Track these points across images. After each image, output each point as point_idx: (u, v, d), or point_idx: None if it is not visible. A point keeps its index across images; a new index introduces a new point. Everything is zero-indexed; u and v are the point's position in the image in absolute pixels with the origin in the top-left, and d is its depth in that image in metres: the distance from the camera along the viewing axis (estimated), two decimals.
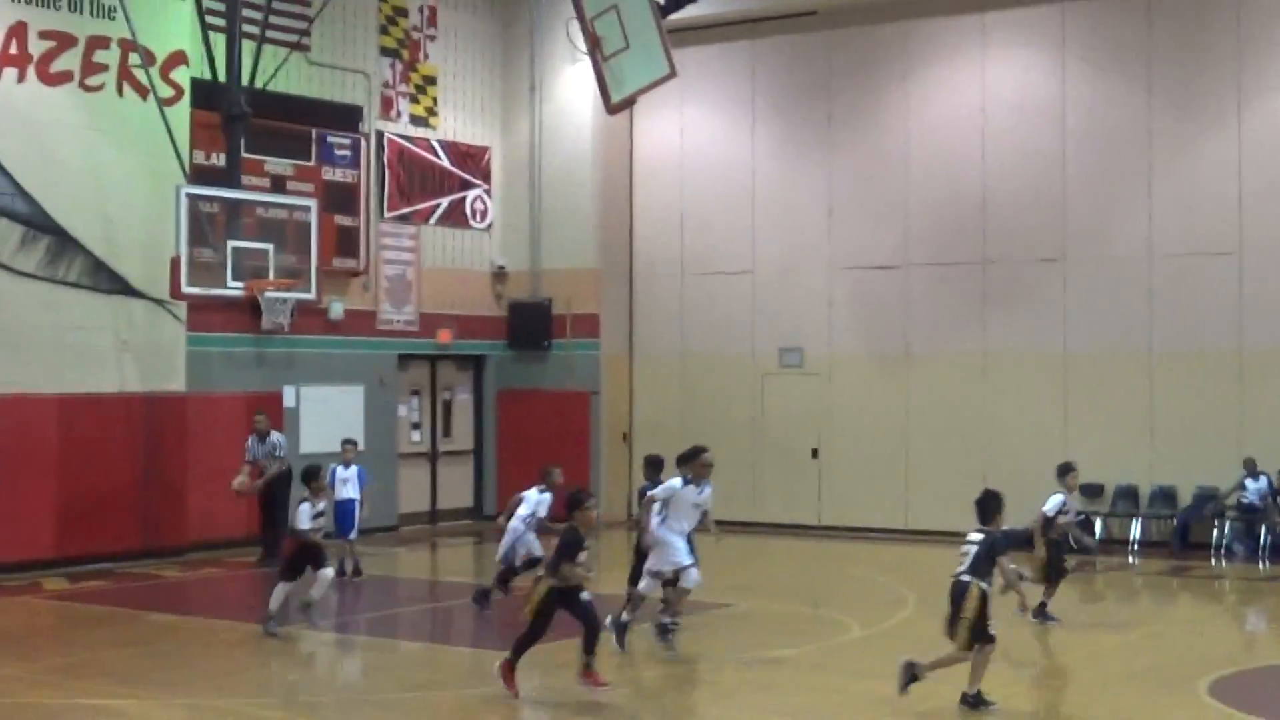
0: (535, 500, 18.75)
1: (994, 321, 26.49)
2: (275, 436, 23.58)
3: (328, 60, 26.78)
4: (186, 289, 23.20)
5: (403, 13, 28.08)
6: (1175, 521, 24.62)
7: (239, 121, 24.28)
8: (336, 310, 26.60)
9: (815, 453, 28.03)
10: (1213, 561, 23.69)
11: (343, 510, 21.55)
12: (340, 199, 26.63)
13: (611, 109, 24.96)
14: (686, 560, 16.33)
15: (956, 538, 25.92)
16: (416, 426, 28.69)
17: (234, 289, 24.05)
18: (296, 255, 25.00)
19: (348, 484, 21.66)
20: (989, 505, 13.80)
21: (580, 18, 24.11)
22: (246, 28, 24.48)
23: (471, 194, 29.32)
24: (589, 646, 13.86)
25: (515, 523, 18.73)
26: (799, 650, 16.34)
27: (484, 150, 29.58)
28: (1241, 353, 24.56)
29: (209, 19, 24.00)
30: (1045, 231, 26.08)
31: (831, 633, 17.39)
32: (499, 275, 29.70)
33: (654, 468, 18.55)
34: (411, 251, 28.13)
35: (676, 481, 16.58)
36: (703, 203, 29.27)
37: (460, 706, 13.92)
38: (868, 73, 27.77)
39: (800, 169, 28.38)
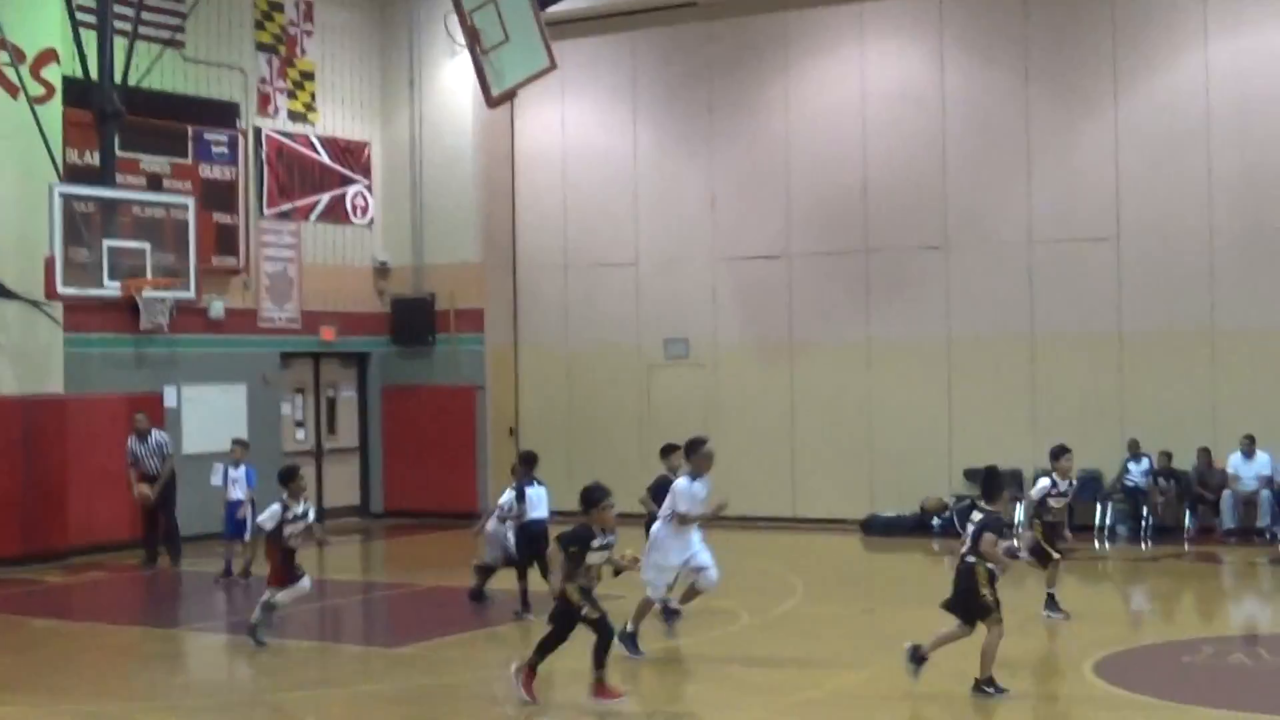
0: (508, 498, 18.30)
1: (877, 309, 26.66)
2: (158, 435, 23.32)
3: (203, 57, 26.44)
4: (62, 289, 22.90)
5: (278, 7, 27.80)
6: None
7: (113, 120, 23.99)
8: (217, 309, 26.30)
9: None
10: (1096, 544, 23.97)
11: (231, 511, 21.31)
12: (218, 197, 26.32)
13: (492, 102, 24.88)
14: (705, 560, 15.98)
15: (844, 525, 26.28)
16: (301, 425, 28.44)
17: (111, 289, 23.79)
18: (175, 254, 24.76)
19: (237, 484, 21.42)
20: (990, 484, 13.76)
21: (458, 11, 24.00)
22: (119, 24, 24.17)
23: (352, 190, 29.10)
24: (600, 659, 12.96)
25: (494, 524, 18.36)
26: (689, 640, 16.35)
27: (364, 145, 29.36)
28: (1121, 336, 24.88)
29: (80, 16, 23.66)
30: (926, 219, 26.28)
31: (721, 622, 17.41)
32: (381, 271, 29.49)
33: (528, 465, 18.50)
34: (292, 248, 27.86)
35: (683, 482, 16.14)
36: (585, 195, 29.22)
37: (351, 704, 13.80)
38: (748, 63, 27.85)
39: (682, 160, 28.41)
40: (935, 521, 25.29)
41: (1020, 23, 25.71)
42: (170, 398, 25.45)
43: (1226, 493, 23.69)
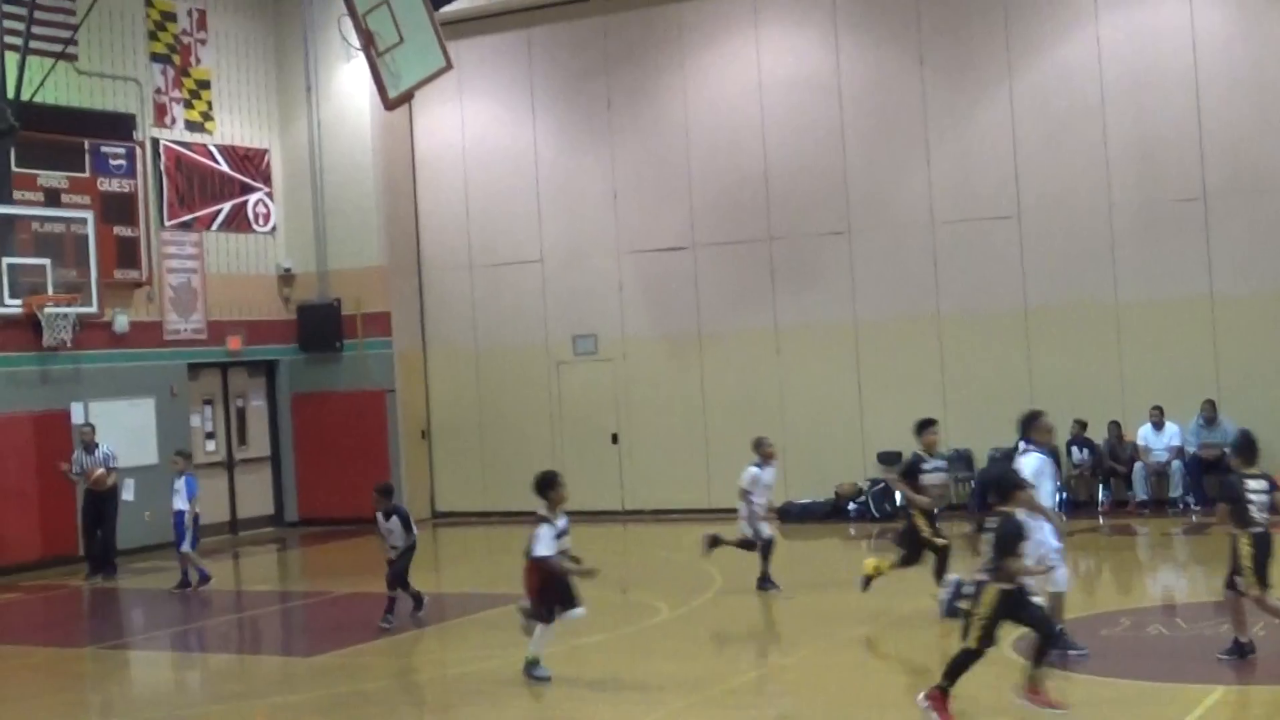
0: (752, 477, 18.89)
1: (783, 296, 26.73)
2: (105, 448, 23.32)
3: (96, 69, 26.12)
4: None
5: (171, 17, 27.50)
6: (973, 483, 25.07)
7: (7, 136, 23.70)
8: (121, 323, 26.00)
9: (615, 438, 28.08)
10: None
11: (178, 522, 21.28)
12: (118, 209, 26.02)
13: (389, 104, 24.72)
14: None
15: None
16: (211, 436, 28.17)
17: (12, 306, 23.55)
18: (76, 269, 24.57)
19: (178, 495, 21.29)
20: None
21: (352, 14, 23.81)
22: (9, 39, 23.87)
23: (253, 198, 28.86)
24: (1040, 657, 11.53)
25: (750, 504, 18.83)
26: (609, 635, 16.34)
27: (263, 153, 29.13)
28: (1026, 313, 25.07)
29: None
30: (828, 204, 26.38)
31: (641, 616, 17.41)
32: (286, 278, 29.27)
33: (386, 495, 18.40)
34: (195, 259, 27.60)
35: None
36: (487, 194, 29.13)
37: (271, 715, 13.69)
38: (645, 56, 27.85)
39: (583, 155, 28.38)
40: (850, 506, 25.40)
41: (912, 4, 25.85)
42: (78, 414, 25.13)
43: (1138, 465, 23.93)
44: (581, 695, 13.66)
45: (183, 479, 21.40)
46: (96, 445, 23.31)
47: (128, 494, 24.65)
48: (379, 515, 18.01)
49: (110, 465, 23.13)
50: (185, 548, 21.24)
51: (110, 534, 23.47)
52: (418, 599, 17.89)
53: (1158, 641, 14.60)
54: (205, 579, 21.40)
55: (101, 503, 23.37)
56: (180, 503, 21.27)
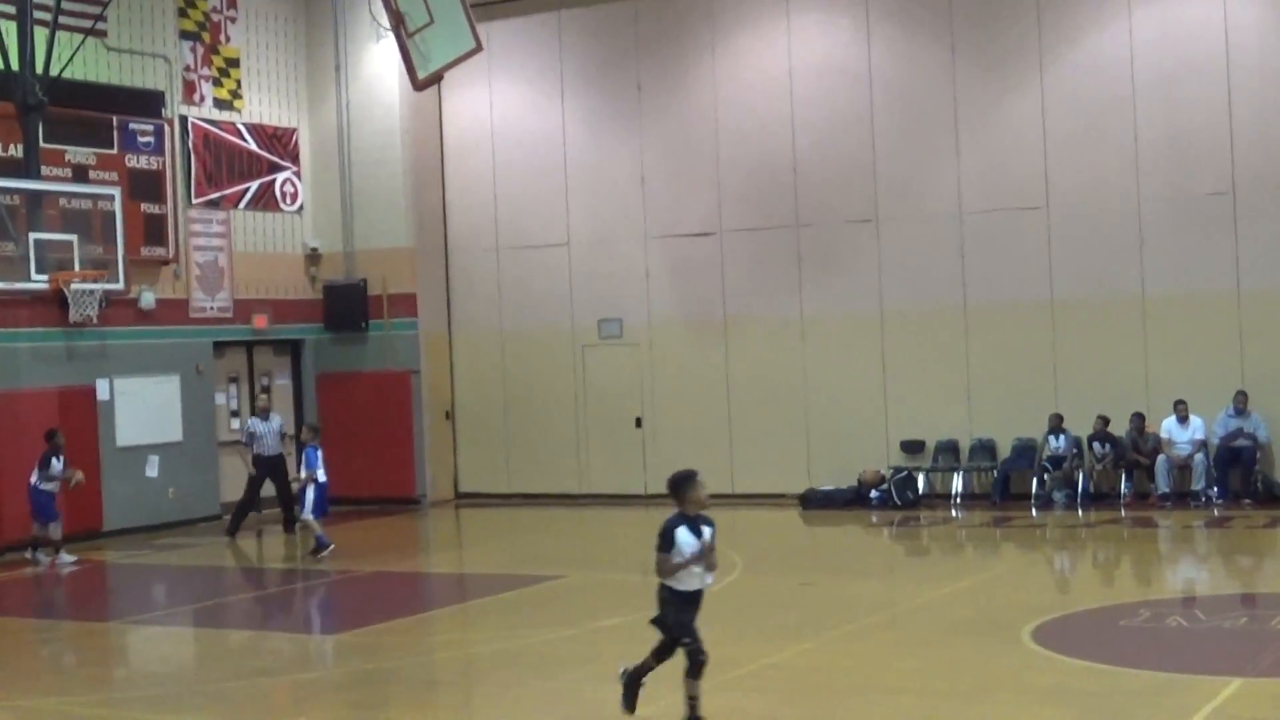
0: None
1: (810, 284, 26.70)
2: (277, 417, 25.19)
3: (126, 45, 26.19)
4: None
5: None
6: (996, 473, 25.05)
7: (35, 111, 23.79)
8: (147, 300, 26.08)
9: (639, 422, 28.08)
10: (1033, 511, 24.13)
11: (299, 490, 22.34)
12: (146, 186, 26.09)
13: (418, 85, 24.80)
14: None
15: (782, 499, 26.36)
16: (235, 414, 28.24)
17: (38, 282, 23.61)
18: (103, 245, 24.63)
19: (305, 465, 22.05)
20: None
21: None
22: (39, 14, 23.93)
23: (281, 176, 28.91)
24: None
25: None
26: (628, 618, 16.34)
27: (291, 132, 29.17)
28: (1053, 304, 25.01)
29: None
30: (856, 193, 26.33)
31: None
32: (312, 257, 29.32)
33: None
34: (222, 237, 27.67)
35: None
36: (515, 176, 29.13)
37: (292, 692, 13.75)
38: (675, 41, 27.81)
39: (611, 139, 28.36)
40: (873, 494, 25.38)
41: None
42: (103, 390, 25.26)
43: (1161, 458, 23.87)
44: (600, 676, 13.66)
45: (307, 450, 21.95)
46: (270, 411, 25.10)
47: (151, 470, 24.81)
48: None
49: (284, 432, 24.93)
50: (306, 515, 21.94)
51: (288, 495, 24.78)
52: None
53: (1177, 633, 14.58)
54: (323, 546, 21.82)
55: (274, 467, 24.84)
56: (302, 472, 22.02)
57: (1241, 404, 23.58)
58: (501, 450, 29.21)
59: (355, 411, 28.75)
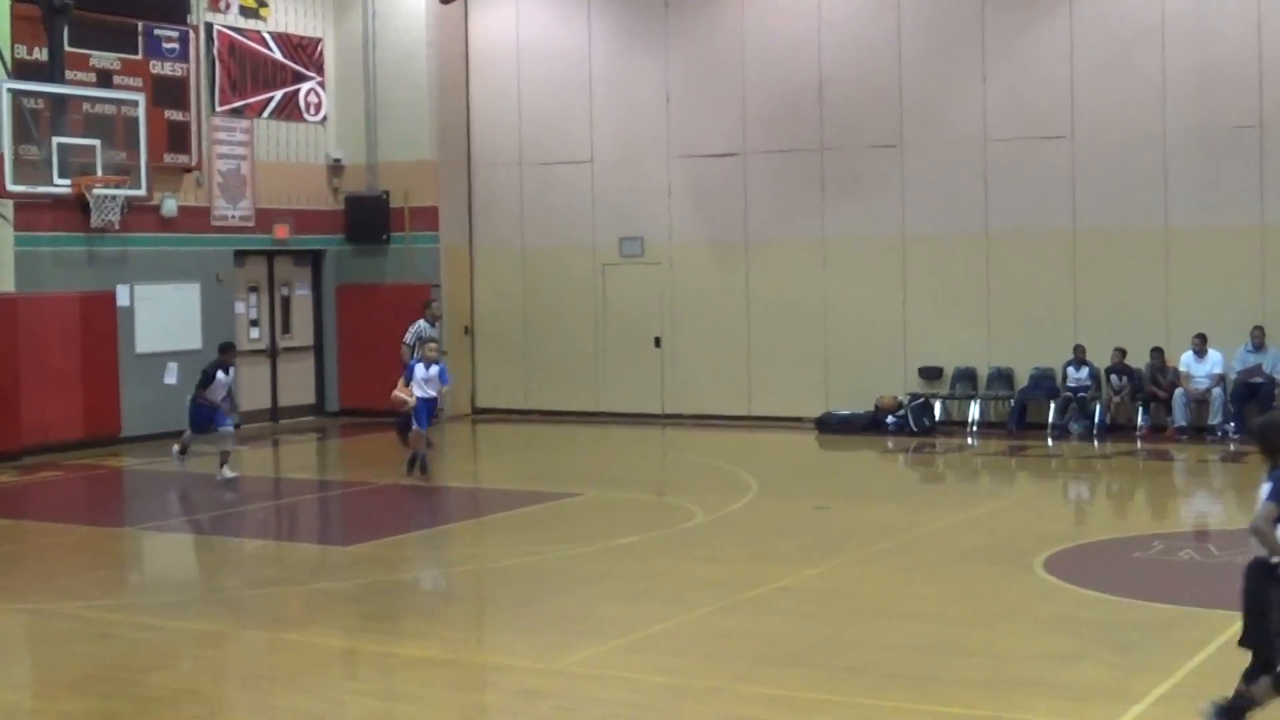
0: None
1: (832, 208, 26.63)
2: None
3: None
4: (11, 187, 22.78)
5: None
6: (1013, 402, 25.04)
7: (61, 14, 23.68)
8: (169, 207, 26.08)
9: (658, 342, 28.10)
10: (1049, 441, 24.14)
11: (425, 407, 20.81)
12: (170, 93, 26.03)
13: None
14: None
15: (798, 423, 26.41)
16: (255, 324, 28.29)
17: (61, 186, 23.61)
18: (126, 151, 24.61)
19: (430, 383, 20.76)
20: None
21: None
22: None
23: (305, 87, 28.82)
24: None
25: None
26: (642, 537, 16.43)
27: (316, 42, 29.06)
28: (1075, 235, 24.92)
29: None
30: (881, 117, 26.20)
31: (675, 519, 17.50)
32: (335, 169, 29.28)
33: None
34: (245, 146, 27.62)
35: None
36: (540, 93, 29.03)
37: (306, 601, 13.84)
38: None
39: (637, 57, 28.23)
40: (890, 420, 25.39)
41: None
42: (123, 296, 25.30)
43: (1178, 391, 23.84)
44: (613, 594, 13.76)
45: (435, 367, 20.85)
46: (439, 319, 24.39)
47: (171, 378, 24.85)
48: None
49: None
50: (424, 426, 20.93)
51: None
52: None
53: (1189, 566, 14.61)
54: (425, 467, 20.97)
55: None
56: (432, 389, 20.82)
57: (1259, 339, 23.52)
58: (519, 366, 29.26)
59: (374, 323, 28.75)
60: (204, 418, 21.18)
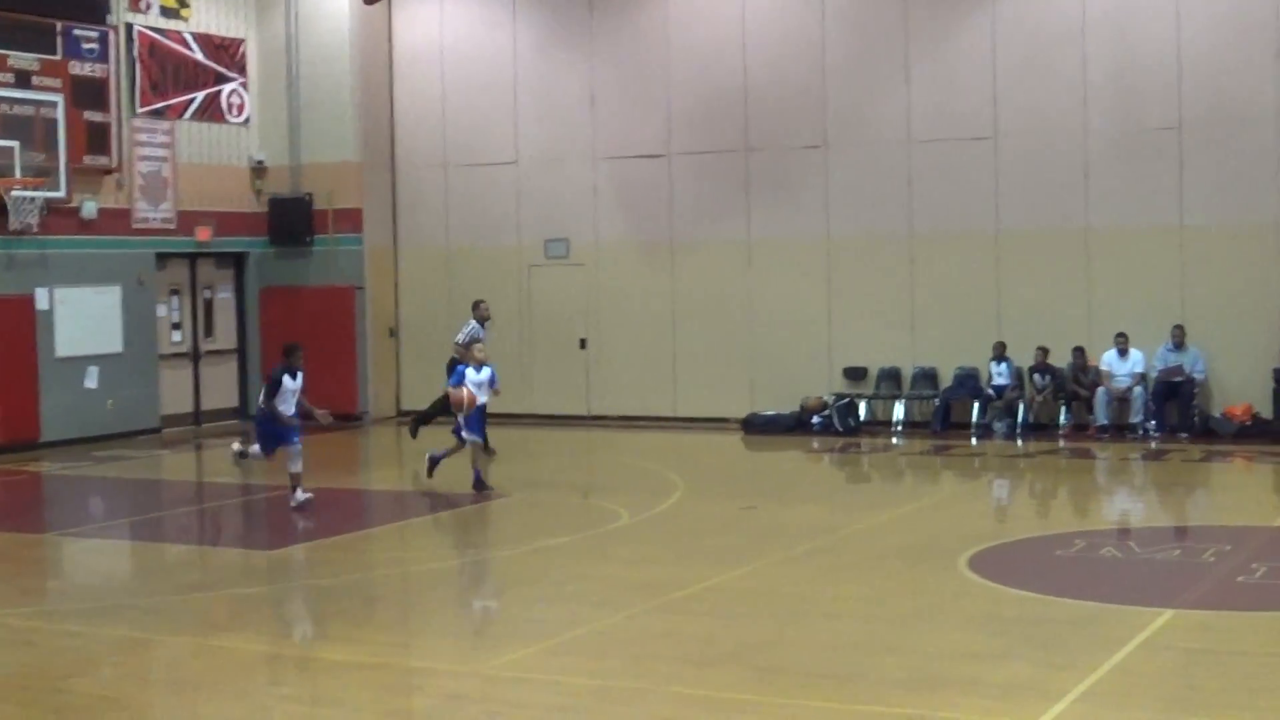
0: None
1: (757, 209, 26.68)
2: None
3: None
4: None
5: None
6: (937, 402, 25.17)
7: None
8: (89, 209, 25.83)
9: (584, 343, 28.07)
10: (973, 440, 24.29)
11: (476, 414, 19.64)
12: (89, 94, 25.77)
13: None
14: None
15: (724, 424, 26.44)
16: (177, 326, 28.06)
17: None
18: (44, 153, 24.42)
19: (481, 387, 19.65)
20: None
21: None
22: None
23: (227, 88, 28.62)
24: None
25: None
26: (569, 539, 16.42)
27: (238, 43, 28.86)
28: (998, 235, 25.07)
29: None
30: (806, 118, 26.28)
31: (602, 521, 17.49)
32: (258, 170, 29.09)
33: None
34: (167, 148, 27.40)
35: None
36: (465, 93, 28.94)
37: (228, 606, 13.73)
38: None
39: (562, 59, 28.19)
40: (815, 420, 25.47)
41: None
42: (42, 300, 25.03)
43: (1100, 390, 24.03)
44: (540, 596, 13.74)
45: (486, 370, 19.87)
46: (489, 320, 23.13)
47: (90, 381, 24.65)
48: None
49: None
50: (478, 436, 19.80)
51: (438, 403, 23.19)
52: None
53: (1111, 563, 14.72)
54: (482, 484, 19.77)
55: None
56: (483, 395, 19.65)
57: (1179, 338, 23.75)
58: (445, 366, 29.11)
59: (298, 326, 28.48)
60: (275, 437, 18.74)
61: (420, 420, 24.32)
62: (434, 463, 20.10)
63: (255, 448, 19.00)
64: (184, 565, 16.25)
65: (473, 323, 22.89)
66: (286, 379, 18.69)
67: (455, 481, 19.76)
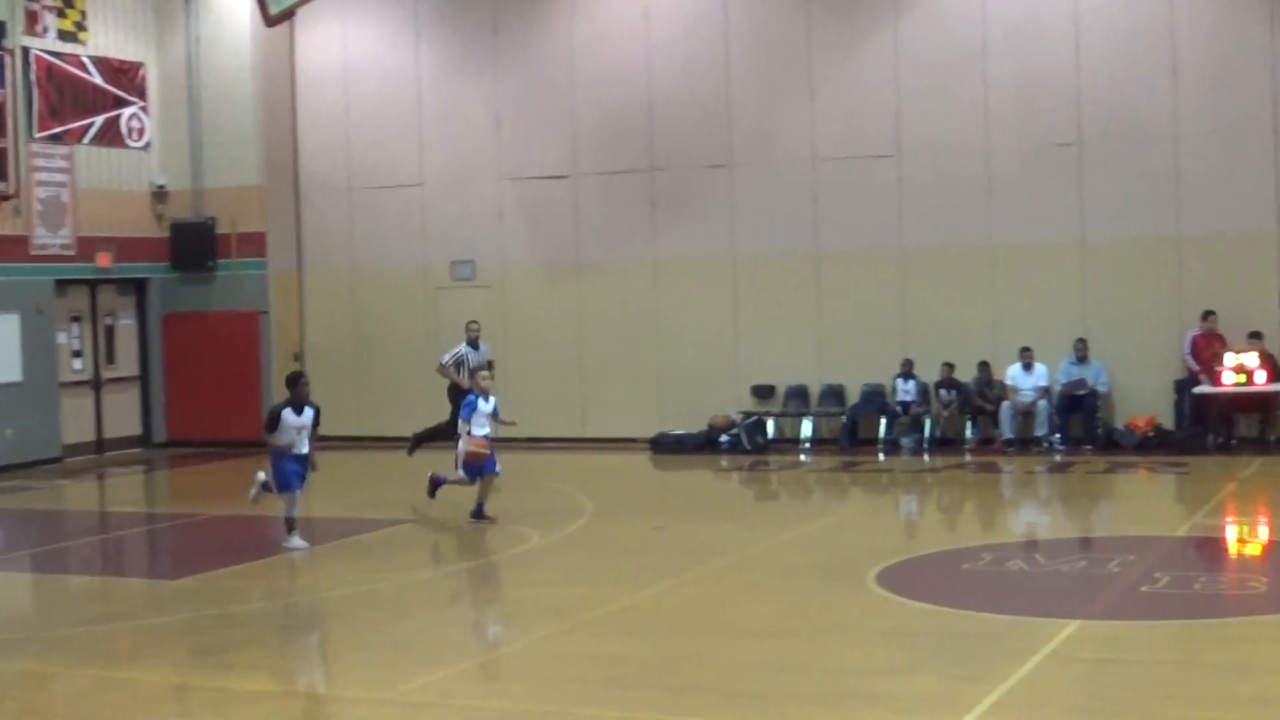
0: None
1: (663, 228, 26.72)
2: (485, 346, 23.04)
3: None
4: None
5: None
6: (844, 419, 25.26)
7: None
8: None
9: (490, 365, 27.92)
10: (880, 456, 24.41)
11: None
12: None
13: (270, 21, 24.49)
14: None
15: (633, 443, 26.43)
16: (78, 354, 27.71)
17: None
18: None
19: (486, 419, 18.59)
20: None
21: None
22: None
23: (127, 111, 28.34)
24: None
25: None
26: (479, 562, 16.34)
27: (138, 66, 28.59)
28: (903, 252, 25.24)
29: None
30: (711, 137, 26.36)
31: (511, 543, 17.41)
32: (159, 195, 28.80)
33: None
34: (65, 173, 27.09)
35: None
36: (369, 115, 28.81)
37: (134, 637, 13.55)
38: None
39: (467, 80, 28.12)
40: (723, 439, 25.51)
41: None
42: None
43: (1005, 404, 24.21)
44: (449, 620, 13.67)
45: (492, 400, 18.80)
46: (478, 342, 22.84)
47: None
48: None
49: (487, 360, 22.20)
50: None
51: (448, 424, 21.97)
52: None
53: (1017, 576, 14.82)
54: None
55: (458, 396, 21.21)
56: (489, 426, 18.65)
57: (1082, 352, 24.00)
58: (352, 393, 28.95)
59: (202, 352, 28.37)
60: (289, 475, 17.35)
61: (418, 440, 24.09)
62: (435, 485, 19.37)
63: (270, 488, 17.76)
64: (87, 597, 16.03)
65: (462, 345, 22.85)
66: (287, 414, 17.23)
67: (361, 506, 19.61)
